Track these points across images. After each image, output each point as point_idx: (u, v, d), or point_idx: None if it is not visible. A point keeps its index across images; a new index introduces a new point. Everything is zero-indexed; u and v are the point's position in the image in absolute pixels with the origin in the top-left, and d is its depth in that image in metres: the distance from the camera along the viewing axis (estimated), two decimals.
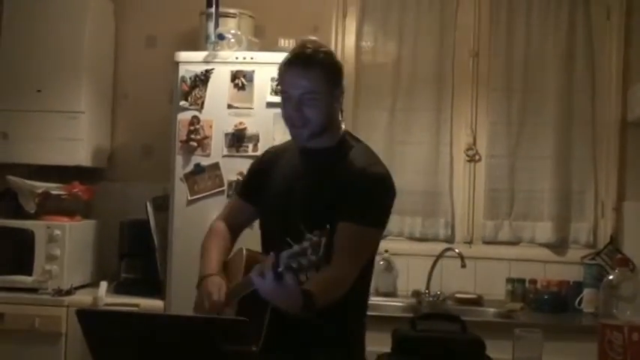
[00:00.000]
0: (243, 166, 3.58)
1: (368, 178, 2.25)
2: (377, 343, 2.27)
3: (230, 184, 3.60)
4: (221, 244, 2.49)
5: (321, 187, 2.28)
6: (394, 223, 4.17)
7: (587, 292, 3.79)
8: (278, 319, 2.12)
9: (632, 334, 1.81)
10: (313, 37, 2.38)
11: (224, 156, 3.63)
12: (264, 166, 2.50)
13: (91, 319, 1.85)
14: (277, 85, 2.36)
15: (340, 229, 2.17)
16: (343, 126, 2.40)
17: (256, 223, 2.53)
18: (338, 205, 2.21)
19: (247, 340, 1.69)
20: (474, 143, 4.24)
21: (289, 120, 2.30)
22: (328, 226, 1.84)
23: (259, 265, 1.97)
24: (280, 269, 1.88)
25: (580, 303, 3.80)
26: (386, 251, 4.03)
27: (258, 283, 1.93)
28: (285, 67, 2.28)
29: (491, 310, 3.89)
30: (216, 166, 3.63)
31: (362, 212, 2.20)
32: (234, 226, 2.55)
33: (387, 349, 1.98)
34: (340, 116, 2.38)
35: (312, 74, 2.23)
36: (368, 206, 2.23)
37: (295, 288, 1.89)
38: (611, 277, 1.91)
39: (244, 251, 2.36)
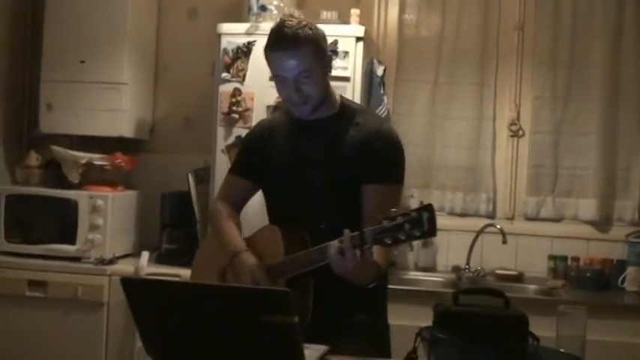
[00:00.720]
0: None
1: (384, 137, 2.33)
2: (417, 317, 2.25)
3: None
4: (235, 223, 2.50)
5: (338, 154, 2.32)
6: (435, 197, 4.14)
7: (630, 271, 3.74)
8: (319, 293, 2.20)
9: None
10: (289, 12, 2.38)
11: None
12: (259, 140, 2.50)
13: (135, 287, 1.87)
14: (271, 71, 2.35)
15: (370, 190, 2.27)
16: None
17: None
18: (362, 168, 2.28)
19: (290, 311, 1.69)
20: (518, 118, 4.18)
21: (290, 100, 2.32)
22: (423, 201, 1.92)
23: (338, 241, 2.02)
24: (368, 245, 1.96)
25: (623, 281, 3.75)
26: None
27: (339, 260, 2.01)
28: (272, 52, 2.29)
29: (532, 287, 3.86)
30: None
31: (388, 172, 2.31)
32: (237, 204, 2.57)
33: (428, 323, 1.96)
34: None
35: (301, 53, 2.24)
36: (392, 165, 2.33)
37: (373, 263, 2.02)
38: None
39: (278, 229, 2.35)
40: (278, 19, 2.40)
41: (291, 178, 2.39)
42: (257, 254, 2.35)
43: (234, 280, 2.33)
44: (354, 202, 2.29)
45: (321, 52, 2.31)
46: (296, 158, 2.39)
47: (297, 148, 2.39)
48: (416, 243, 3.71)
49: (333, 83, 3.41)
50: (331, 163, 2.33)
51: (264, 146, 2.47)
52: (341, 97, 2.45)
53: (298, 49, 2.24)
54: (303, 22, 2.31)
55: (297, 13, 2.43)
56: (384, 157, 2.31)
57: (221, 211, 2.53)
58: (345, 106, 2.42)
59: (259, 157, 2.48)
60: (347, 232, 2.00)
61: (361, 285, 2.11)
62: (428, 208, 1.93)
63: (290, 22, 2.29)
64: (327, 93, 2.35)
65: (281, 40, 2.26)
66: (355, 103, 2.50)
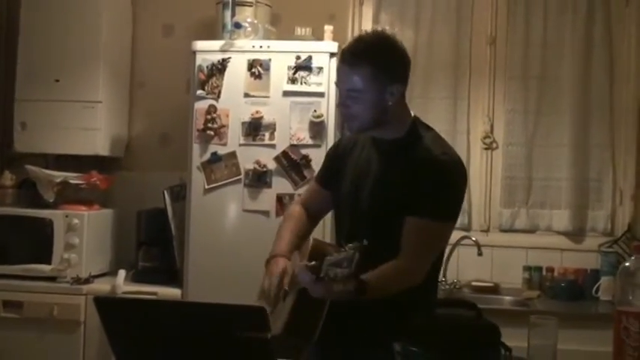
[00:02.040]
0: (259, 154, 3.61)
1: (436, 168, 2.19)
2: None
3: (247, 172, 3.62)
4: (296, 225, 2.46)
5: (388, 180, 2.24)
6: None
7: (604, 280, 3.78)
8: (338, 315, 2.11)
9: None
10: (379, 29, 2.33)
11: (241, 145, 3.64)
12: (341, 152, 2.46)
13: (109, 306, 1.86)
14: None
15: (409, 222, 2.16)
16: (412, 113, 2.33)
17: None
18: (407, 197, 2.17)
19: (264, 327, 1.70)
20: (491, 131, 4.22)
21: (340, 111, 2.30)
22: (365, 242, 1.84)
23: (303, 264, 2.00)
24: (321, 275, 1.90)
25: (597, 291, 3.79)
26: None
27: (303, 282, 1.98)
28: (338, 60, 2.26)
29: (508, 298, 3.89)
30: (232, 155, 3.64)
31: (431, 206, 2.15)
32: (313, 211, 2.52)
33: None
34: (404, 105, 2.29)
35: (357, 72, 2.17)
36: (436, 200, 2.17)
37: (335, 290, 1.90)
38: (627, 264, 1.90)
39: (311, 240, 2.35)
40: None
41: (346, 194, 2.36)
42: (300, 261, 2.32)
43: (263, 279, 2.29)
44: (394, 230, 2.18)
45: (383, 78, 2.18)
46: (355, 176, 2.34)
47: (361, 165, 2.34)
48: None
49: (308, 99, 3.50)
50: (379, 186, 2.26)
51: (342, 158, 2.43)
52: (415, 120, 2.31)
53: (354, 67, 2.18)
54: (384, 42, 2.23)
55: (387, 29, 2.34)
56: (431, 189, 2.17)
57: (290, 213, 2.52)
58: (414, 130, 2.29)
59: (335, 167, 2.45)
60: (325, 261, 1.92)
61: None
62: (360, 248, 1.83)
63: (368, 38, 2.25)
64: (383, 117, 2.22)
65: (347, 52, 2.22)
66: (428, 127, 2.33)
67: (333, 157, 2.50)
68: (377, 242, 1.97)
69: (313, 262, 1.95)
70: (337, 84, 2.26)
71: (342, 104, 2.25)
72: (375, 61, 2.17)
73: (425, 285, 2.19)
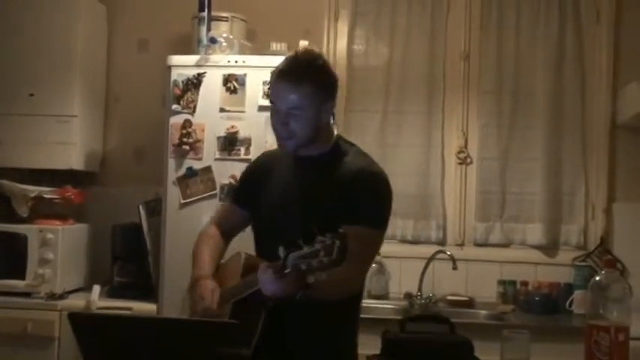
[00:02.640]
0: (235, 169, 3.60)
1: (369, 179, 2.26)
2: (368, 345, 2.28)
3: (222, 187, 3.61)
4: (213, 247, 2.48)
5: (318, 194, 2.27)
6: None
7: (577, 294, 3.81)
8: (275, 323, 2.15)
9: (618, 334, 1.83)
10: (310, 48, 2.36)
11: (216, 159, 3.64)
12: (258, 171, 2.49)
13: (83, 322, 1.86)
14: (269, 92, 2.34)
15: (349, 231, 2.11)
16: (335, 131, 2.39)
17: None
18: (340, 208, 2.20)
19: (238, 343, 1.70)
20: (465, 146, 4.26)
21: (276, 131, 2.31)
22: (341, 230, 1.84)
23: (265, 265, 2.00)
24: (287, 270, 1.91)
25: (571, 305, 3.82)
26: (378, 254, 4.04)
27: (264, 283, 1.98)
28: (276, 79, 2.26)
29: (483, 312, 3.91)
30: (208, 170, 3.64)
31: (367, 215, 2.21)
32: (227, 230, 2.55)
33: (378, 351, 1.99)
34: (332, 121, 2.36)
35: (301, 90, 2.21)
36: (372, 208, 2.24)
37: (298, 287, 1.92)
38: (598, 278, 1.93)
39: (242, 255, 2.36)
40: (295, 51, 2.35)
41: (272, 212, 2.37)
42: (221, 279, 2.34)
43: (194, 302, 2.31)
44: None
45: (323, 96, 2.26)
46: (280, 193, 2.36)
47: (285, 183, 2.37)
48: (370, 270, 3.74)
49: None
50: (309, 201, 2.28)
51: (258, 176, 2.46)
52: (338, 137, 2.40)
53: (299, 85, 2.20)
54: (319, 62, 2.27)
55: (315, 50, 2.37)
56: (365, 198, 2.23)
57: (204, 234, 2.53)
58: (338, 145, 2.37)
59: (252, 186, 2.47)
60: (280, 250, 1.95)
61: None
62: (341, 236, 1.84)
63: (303, 57, 2.27)
64: (317, 134, 2.29)
65: (286, 71, 2.24)
66: (350, 143, 2.41)
67: (251, 176, 2.53)
68: None
69: (274, 263, 1.96)
70: (275, 102, 2.27)
71: (282, 123, 2.25)
72: (315, 80, 2.22)
73: (357, 298, 2.27)
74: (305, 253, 1.87)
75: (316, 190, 2.28)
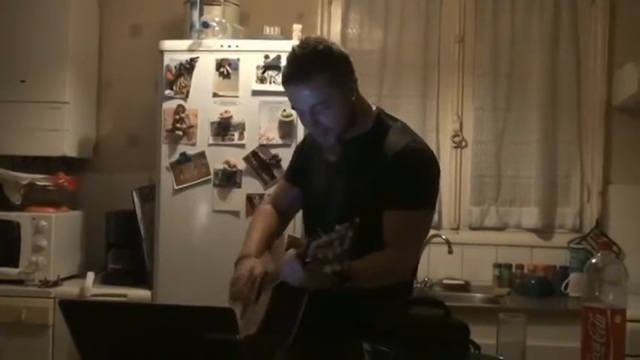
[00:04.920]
0: (228, 154, 3.59)
1: (408, 159, 2.17)
2: None
3: (216, 172, 3.60)
4: (264, 225, 2.43)
5: (363, 176, 2.21)
6: None
7: (573, 277, 3.81)
8: (317, 312, 2.06)
9: (614, 317, 1.81)
10: (305, 37, 2.26)
11: (210, 145, 3.62)
12: (307, 149, 2.43)
13: (75, 309, 1.84)
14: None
15: (393, 215, 2.14)
16: (374, 107, 2.31)
17: None
18: (381, 191, 2.15)
19: (232, 328, 1.68)
20: (461, 129, 4.24)
21: (312, 132, 2.24)
22: (357, 219, 1.81)
23: (290, 253, 1.97)
24: (308, 260, 1.88)
25: (566, 287, 3.82)
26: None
27: (287, 270, 1.96)
28: (286, 85, 2.18)
29: (479, 295, 3.91)
30: (202, 155, 3.62)
31: (412, 196, 2.15)
32: (283, 208, 2.49)
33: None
34: (362, 98, 2.28)
35: (315, 85, 2.11)
36: (411, 188, 2.16)
37: (322, 276, 1.86)
38: (594, 260, 1.91)
39: (286, 237, 2.32)
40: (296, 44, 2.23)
41: (315, 193, 2.34)
42: (268, 260, 2.30)
43: (232, 281, 2.23)
44: (371, 226, 2.10)
45: (340, 78, 2.16)
46: (323, 173, 2.32)
47: (328, 164, 2.31)
48: None
49: (278, 98, 3.47)
50: (353, 184, 2.23)
51: (308, 154, 2.41)
52: (379, 112, 2.30)
53: (309, 80, 2.11)
54: (319, 47, 2.15)
55: (315, 36, 2.29)
56: (404, 180, 2.15)
57: (259, 212, 2.51)
58: (380, 122, 2.27)
59: (303, 163, 2.43)
60: (312, 245, 1.90)
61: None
62: (355, 225, 1.81)
63: (302, 50, 2.15)
64: (353, 115, 2.21)
65: (292, 72, 2.14)
66: (392, 118, 2.31)
67: (302, 153, 2.48)
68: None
69: (300, 249, 1.94)
70: (297, 107, 2.19)
71: (312, 124, 2.18)
72: (324, 67, 2.13)
73: (407, 284, 2.24)
74: (322, 242, 1.84)
75: (358, 170, 2.22)
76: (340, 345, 2.16)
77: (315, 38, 2.23)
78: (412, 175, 2.17)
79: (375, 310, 1.98)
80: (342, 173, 2.28)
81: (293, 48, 2.19)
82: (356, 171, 2.23)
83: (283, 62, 3.48)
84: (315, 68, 2.12)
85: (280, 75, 2.22)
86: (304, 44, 2.18)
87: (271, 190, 3.28)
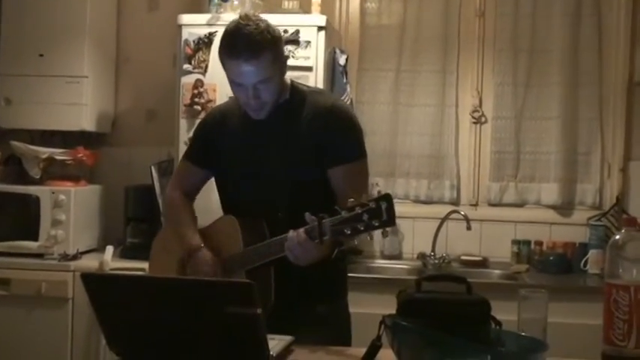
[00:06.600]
0: None
1: (337, 115, 2.31)
2: (382, 305, 2.26)
3: None
4: (190, 213, 2.49)
5: (291, 141, 2.30)
6: (399, 185, 4.18)
7: (592, 254, 3.79)
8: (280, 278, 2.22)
9: (638, 293, 1.80)
10: (243, 13, 2.29)
11: None
12: (214, 129, 2.46)
13: (96, 282, 1.85)
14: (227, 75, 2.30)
15: (337, 173, 2.27)
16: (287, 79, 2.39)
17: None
18: (318, 151, 2.26)
19: (253, 302, 1.69)
20: (480, 105, 4.21)
21: (246, 104, 2.28)
22: (381, 191, 2.00)
23: (302, 233, 2.02)
24: (326, 237, 1.97)
25: (585, 264, 3.80)
26: None
27: (303, 251, 2.03)
28: (230, 59, 2.21)
29: (497, 271, 3.90)
30: None
31: (349, 150, 2.29)
32: (190, 192, 2.54)
33: (392, 310, 1.97)
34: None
35: (261, 62, 2.18)
36: (351, 141, 2.31)
37: (332, 250, 2.03)
38: (617, 237, 1.90)
39: (234, 219, 2.33)
40: (234, 20, 2.27)
41: (244, 167, 2.36)
42: (214, 246, 2.34)
43: (193, 274, 2.32)
44: (313, 189, 2.27)
45: (279, 57, 2.26)
46: (249, 147, 2.36)
47: (249, 136, 2.36)
48: (376, 232, 3.74)
49: (296, 73, 3.45)
50: (285, 151, 2.30)
51: (217, 134, 2.43)
52: (291, 81, 2.40)
53: (258, 57, 2.17)
54: (262, 26, 2.21)
55: (251, 13, 2.37)
56: (341, 135, 2.29)
57: (177, 202, 2.52)
58: (295, 90, 2.37)
59: (213, 144, 2.44)
60: (307, 216, 1.99)
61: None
62: (386, 198, 1.90)
63: (248, 27, 2.19)
64: (283, 89, 2.33)
65: (240, 48, 2.18)
66: (305, 85, 2.45)
67: (206, 134, 2.49)
68: (298, 206, 2.05)
69: (308, 230, 2.02)
70: (240, 80, 2.23)
71: (252, 97, 2.23)
72: (270, 45, 2.20)
73: None
74: (345, 217, 1.92)
75: (287, 136, 2.30)
76: (309, 309, 2.31)
77: (253, 15, 2.29)
78: (348, 128, 2.32)
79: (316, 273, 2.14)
80: (272, 141, 2.32)
81: (238, 24, 2.23)
82: (283, 137, 2.31)
83: (302, 37, 3.54)
84: (264, 46, 2.19)
85: (231, 49, 2.21)
86: (249, 21, 2.23)
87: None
